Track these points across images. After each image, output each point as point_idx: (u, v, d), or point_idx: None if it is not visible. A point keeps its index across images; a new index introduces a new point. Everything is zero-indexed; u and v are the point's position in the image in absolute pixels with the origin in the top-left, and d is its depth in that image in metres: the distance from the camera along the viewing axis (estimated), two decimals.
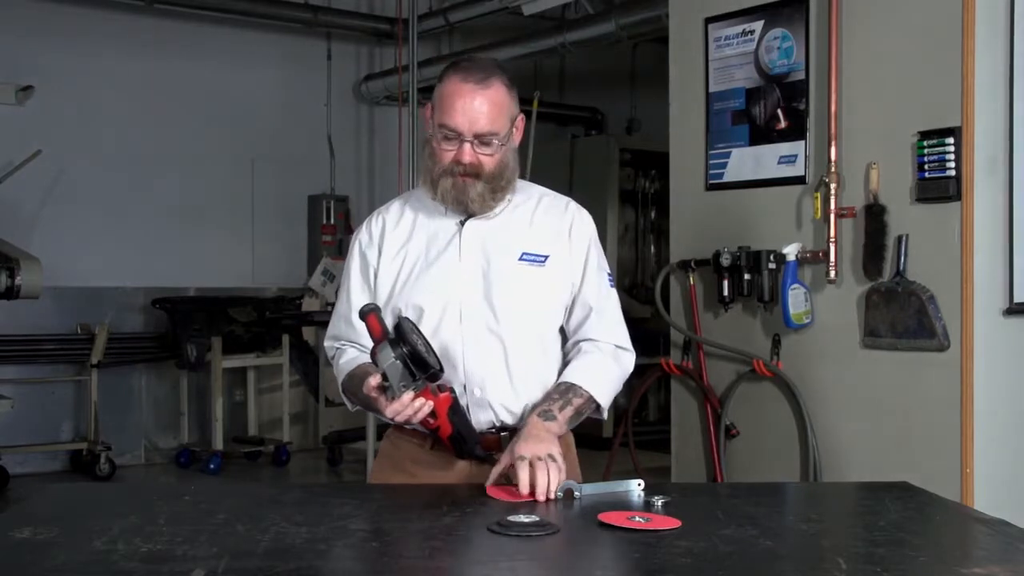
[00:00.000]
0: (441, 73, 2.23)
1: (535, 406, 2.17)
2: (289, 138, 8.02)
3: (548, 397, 2.19)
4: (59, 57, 7.10)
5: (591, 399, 2.22)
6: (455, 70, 2.19)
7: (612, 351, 2.28)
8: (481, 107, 2.14)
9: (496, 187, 2.21)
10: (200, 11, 7.46)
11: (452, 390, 2.11)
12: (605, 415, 2.31)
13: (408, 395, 2.00)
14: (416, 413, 2.02)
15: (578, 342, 2.28)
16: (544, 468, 1.98)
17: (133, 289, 7.36)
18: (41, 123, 6.96)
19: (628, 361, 2.31)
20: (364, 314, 2.04)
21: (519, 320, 2.21)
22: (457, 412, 2.10)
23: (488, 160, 2.18)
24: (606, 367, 2.26)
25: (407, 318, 2.09)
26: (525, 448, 2.02)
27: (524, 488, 1.96)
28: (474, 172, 2.17)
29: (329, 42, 8.26)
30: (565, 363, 2.28)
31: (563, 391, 2.20)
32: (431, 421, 2.06)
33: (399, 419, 2.05)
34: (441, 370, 2.05)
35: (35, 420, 6.86)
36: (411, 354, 1.98)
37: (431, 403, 2.03)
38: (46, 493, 2.21)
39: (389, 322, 2.11)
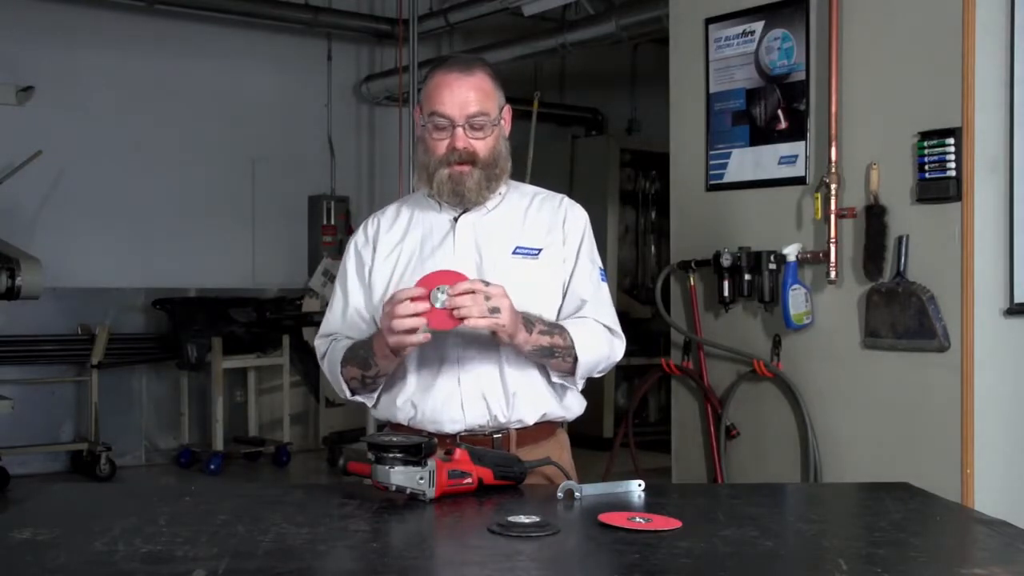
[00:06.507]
0: (426, 74, 2.29)
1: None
2: (289, 138, 8.02)
3: (538, 319, 2.15)
4: (59, 57, 7.10)
5: (571, 350, 2.16)
6: (438, 65, 2.26)
7: (605, 331, 2.25)
8: (468, 92, 2.19)
9: (491, 175, 2.23)
10: (200, 11, 7.46)
11: (455, 441, 2.07)
12: (579, 385, 2.26)
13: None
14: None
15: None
16: (479, 301, 1.99)
17: (133, 290, 7.36)
18: (41, 123, 6.96)
19: (619, 346, 2.26)
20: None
21: None
22: (482, 455, 2.03)
23: (481, 145, 2.20)
24: (597, 337, 2.22)
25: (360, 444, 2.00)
26: (495, 292, 2.01)
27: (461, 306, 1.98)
28: (469, 159, 2.19)
29: (329, 42, 8.26)
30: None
31: (552, 324, 2.16)
32: (471, 485, 1.98)
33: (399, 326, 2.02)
34: (430, 438, 1.97)
35: (35, 421, 6.86)
36: (400, 455, 1.90)
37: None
38: (46, 494, 2.20)
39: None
